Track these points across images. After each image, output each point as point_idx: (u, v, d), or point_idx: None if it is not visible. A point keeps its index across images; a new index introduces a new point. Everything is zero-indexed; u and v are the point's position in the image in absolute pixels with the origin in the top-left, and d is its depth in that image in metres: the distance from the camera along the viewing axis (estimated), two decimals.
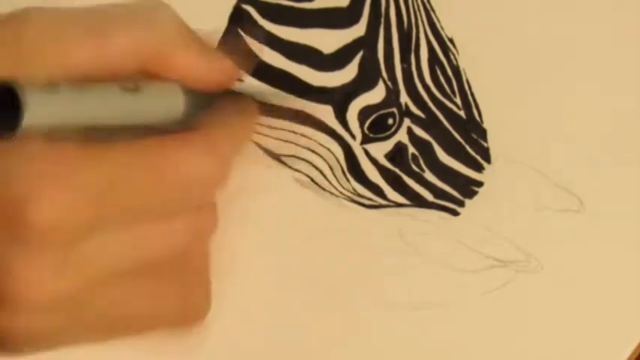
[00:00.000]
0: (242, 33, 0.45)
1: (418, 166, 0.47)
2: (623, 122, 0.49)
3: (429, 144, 0.47)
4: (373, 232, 0.46)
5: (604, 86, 0.49)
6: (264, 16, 0.45)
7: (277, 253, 0.45)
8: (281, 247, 0.45)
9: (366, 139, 0.46)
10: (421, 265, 0.46)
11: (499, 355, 0.46)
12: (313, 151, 0.46)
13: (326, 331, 0.44)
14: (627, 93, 0.49)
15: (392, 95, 0.46)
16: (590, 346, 0.46)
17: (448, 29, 0.48)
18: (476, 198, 0.47)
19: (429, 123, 0.47)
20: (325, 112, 0.46)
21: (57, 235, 0.27)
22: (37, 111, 0.26)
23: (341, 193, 0.46)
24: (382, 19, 0.46)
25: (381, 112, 0.46)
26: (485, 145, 0.48)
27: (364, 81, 0.46)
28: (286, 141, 0.46)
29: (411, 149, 0.46)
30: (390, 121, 0.46)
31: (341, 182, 0.46)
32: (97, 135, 0.28)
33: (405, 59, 0.47)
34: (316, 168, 0.46)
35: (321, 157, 0.46)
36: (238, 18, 0.45)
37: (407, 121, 0.46)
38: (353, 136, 0.46)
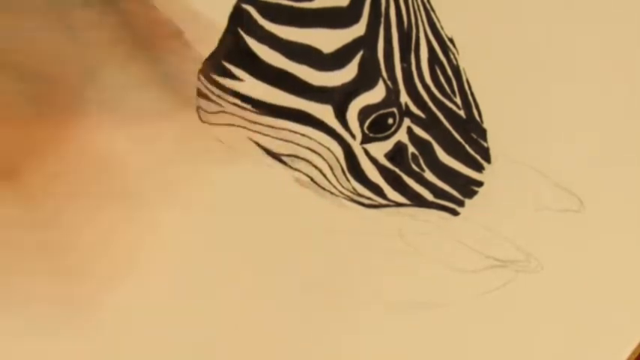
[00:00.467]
0: (242, 33, 0.45)
1: (418, 165, 0.47)
2: (623, 122, 0.49)
3: (429, 144, 0.47)
4: (373, 231, 0.46)
5: (604, 86, 0.49)
6: (264, 15, 0.46)
7: (277, 253, 0.45)
8: (281, 247, 0.45)
9: (366, 139, 0.46)
10: (421, 265, 0.46)
11: (499, 355, 0.46)
12: (313, 151, 0.46)
13: (326, 331, 0.44)
14: (627, 93, 0.49)
15: (392, 95, 0.46)
16: (590, 346, 0.46)
17: (448, 29, 0.48)
18: (476, 198, 0.47)
19: (429, 123, 0.47)
20: (325, 112, 0.46)
21: None
22: None
23: (341, 192, 0.46)
24: (382, 19, 0.46)
25: (381, 111, 0.46)
26: (485, 145, 0.48)
27: (364, 81, 0.46)
28: (286, 141, 0.46)
29: (411, 149, 0.47)
30: (390, 120, 0.46)
31: (341, 182, 0.46)
32: None
33: (405, 59, 0.47)
34: (316, 168, 0.46)
35: (321, 156, 0.46)
36: (238, 18, 0.46)
37: (407, 121, 0.47)
38: (353, 136, 0.46)
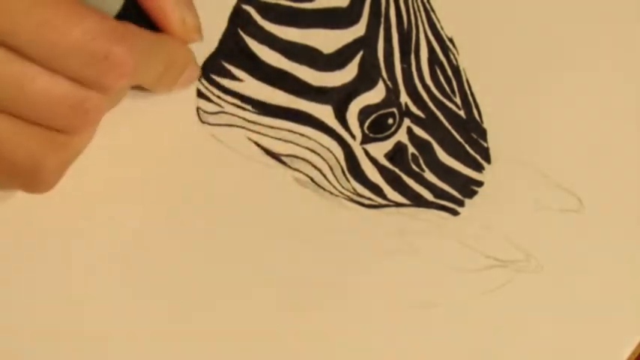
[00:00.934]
0: (242, 33, 0.45)
1: (418, 165, 0.47)
2: (623, 122, 0.49)
3: (429, 144, 0.47)
4: (373, 232, 0.46)
5: (604, 86, 0.49)
6: (264, 16, 0.46)
7: (277, 252, 0.45)
8: (280, 247, 0.45)
9: (365, 139, 0.46)
10: (421, 265, 0.46)
11: (499, 355, 0.46)
12: (313, 151, 0.46)
13: (326, 331, 0.45)
14: (627, 93, 0.49)
15: (392, 95, 0.46)
16: (590, 346, 0.46)
17: (448, 29, 0.48)
18: (476, 198, 0.47)
19: (429, 123, 0.47)
20: (325, 112, 0.46)
21: None
22: None
23: (341, 192, 0.46)
24: (382, 19, 0.46)
25: (381, 112, 0.46)
26: (485, 145, 0.48)
27: (364, 81, 0.46)
28: (286, 141, 0.46)
29: (411, 149, 0.47)
30: (390, 121, 0.46)
31: (341, 182, 0.46)
32: None
33: (405, 59, 0.47)
34: (316, 168, 0.46)
35: (321, 157, 0.46)
36: (238, 18, 0.46)
37: (407, 121, 0.47)
38: (353, 136, 0.46)
